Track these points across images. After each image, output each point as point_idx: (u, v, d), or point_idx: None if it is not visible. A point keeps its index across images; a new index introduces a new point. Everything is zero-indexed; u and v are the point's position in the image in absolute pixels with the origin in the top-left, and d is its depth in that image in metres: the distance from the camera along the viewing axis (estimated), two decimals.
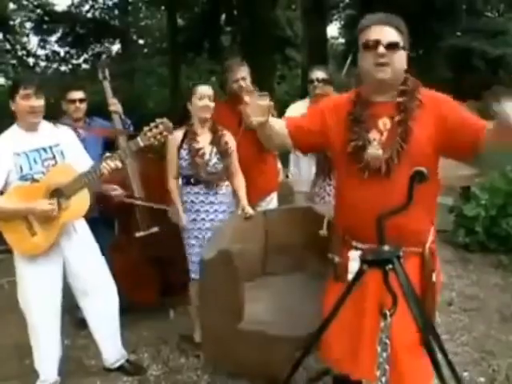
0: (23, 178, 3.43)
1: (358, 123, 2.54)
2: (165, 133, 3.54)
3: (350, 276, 2.49)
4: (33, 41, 25.19)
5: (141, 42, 26.91)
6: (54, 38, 23.79)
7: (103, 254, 3.84)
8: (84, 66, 24.41)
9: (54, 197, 3.40)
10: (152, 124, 3.52)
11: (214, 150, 4.02)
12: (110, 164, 3.44)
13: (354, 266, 2.52)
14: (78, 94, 4.56)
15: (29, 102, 3.42)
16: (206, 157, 3.96)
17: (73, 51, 24.27)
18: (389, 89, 2.51)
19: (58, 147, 3.57)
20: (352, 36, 20.81)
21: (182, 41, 18.69)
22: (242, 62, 4.69)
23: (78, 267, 3.65)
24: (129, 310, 4.32)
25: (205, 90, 4.01)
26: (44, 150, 3.52)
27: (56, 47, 24.39)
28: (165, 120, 3.55)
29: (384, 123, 2.51)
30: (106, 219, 4.54)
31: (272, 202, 4.80)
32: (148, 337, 4.44)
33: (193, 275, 4.03)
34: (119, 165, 3.48)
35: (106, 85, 4.72)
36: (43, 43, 24.42)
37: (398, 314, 2.28)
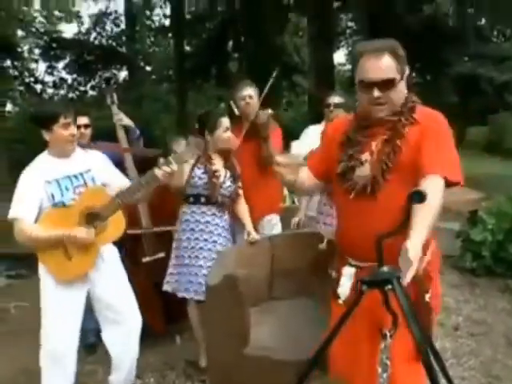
0: (55, 205, 3.41)
1: (351, 145, 2.59)
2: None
3: (340, 289, 2.59)
4: (40, 67, 25.45)
5: (148, 68, 27.17)
6: (61, 65, 24.18)
7: None
8: (91, 92, 24.67)
9: (89, 221, 3.39)
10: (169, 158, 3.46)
11: (228, 173, 4.09)
12: (165, 169, 3.39)
13: (344, 280, 2.61)
14: (82, 120, 4.56)
15: (69, 130, 3.43)
16: (221, 179, 4.02)
17: (80, 78, 24.57)
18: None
19: (89, 173, 3.55)
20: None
21: (189, 67, 18.84)
22: (249, 82, 4.81)
23: (107, 295, 3.61)
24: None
25: (227, 122, 4.11)
26: (75, 176, 3.50)
27: (63, 74, 24.76)
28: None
29: (376, 144, 2.53)
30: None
31: (276, 227, 4.84)
32: (154, 362, 4.42)
33: (192, 295, 4.03)
34: (175, 168, 3.42)
35: (115, 109, 4.74)
36: (51, 70, 24.77)
37: (396, 335, 2.28)
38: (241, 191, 4.22)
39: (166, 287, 4.17)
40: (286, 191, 5.06)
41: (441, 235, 6.19)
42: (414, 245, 2.08)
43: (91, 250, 3.43)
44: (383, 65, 2.42)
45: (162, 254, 4.56)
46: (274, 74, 4.89)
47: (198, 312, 4.06)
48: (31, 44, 25.12)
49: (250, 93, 4.73)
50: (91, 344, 4.11)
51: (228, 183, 4.07)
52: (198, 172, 4.02)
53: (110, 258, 3.64)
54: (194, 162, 4.04)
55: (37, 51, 24.91)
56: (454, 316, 5.00)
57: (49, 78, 25.55)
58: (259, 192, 4.55)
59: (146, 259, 4.58)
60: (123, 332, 3.69)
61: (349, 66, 27.00)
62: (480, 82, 18.47)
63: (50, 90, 25.29)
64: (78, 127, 4.47)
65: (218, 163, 4.09)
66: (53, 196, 3.40)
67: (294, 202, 5.29)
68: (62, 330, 3.50)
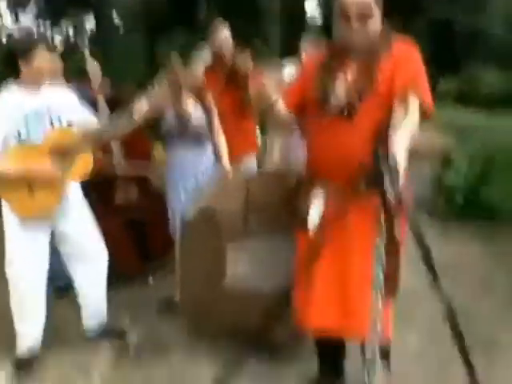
0: (21, 142, 3.32)
1: (326, 72, 2.70)
2: None
3: (310, 218, 2.67)
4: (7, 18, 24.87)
5: (116, 20, 26.60)
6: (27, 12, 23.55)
7: None
8: (58, 38, 24.16)
9: (56, 159, 3.33)
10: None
11: (198, 105, 4.07)
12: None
13: (313, 211, 2.69)
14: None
15: (48, 62, 3.39)
16: (190, 110, 4.00)
17: (47, 23, 24.02)
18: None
19: (57, 109, 3.44)
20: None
21: (156, 14, 18.49)
22: (223, 22, 4.74)
23: (72, 232, 3.59)
24: (109, 276, 4.24)
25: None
26: (43, 113, 3.38)
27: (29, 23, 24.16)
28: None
29: (352, 71, 2.65)
30: (83, 185, 4.44)
31: (253, 168, 4.87)
32: (128, 303, 4.36)
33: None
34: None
35: (87, 53, 4.59)
36: (16, 18, 24.15)
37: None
38: (217, 124, 4.17)
39: None
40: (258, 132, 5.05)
41: (413, 179, 6.29)
42: (399, 149, 2.20)
43: (56, 187, 3.38)
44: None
45: (134, 195, 4.55)
46: None
47: None
48: None
49: (224, 34, 4.73)
50: (62, 287, 4.07)
51: (198, 114, 4.04)
52: (168, 115, 4.04)
53: (74, 197, 3.59)
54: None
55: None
56: None
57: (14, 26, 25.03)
58: (238, 134, 4.53)
59: (118, 200, 4.56)
60: (89, 269, 3.70)
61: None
62: (454, 28, 18.41)
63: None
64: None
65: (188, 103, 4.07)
66: (19, 134, 3.31)
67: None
68: (27, 272, 3.47)
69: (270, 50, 22.35)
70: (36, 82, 3.38)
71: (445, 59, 21.78)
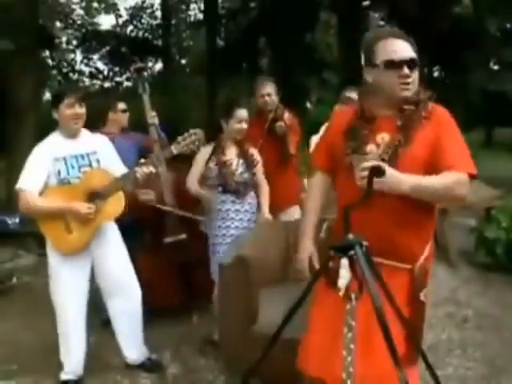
0: (61, 182, 3.71)
1: (355, 137, 2.60)
2: (197, 142, 3.82)
3: (341, 281, 2.40)
4: (78, 58, 25.87)
5: (183, 61, 27.43)
6: (97, 56, 24.46)
7: (131, 257, 4.06)
8: (126, 83, 24.96)
9: (91, 199, 3.66)
10: (186, 134, 3.80)
11: (241, 161, 4.28)
12: (144, 169, 3.71)
13: (344, 272, 2.43)
14: (121, 105, 5.00)
15: (72, 110, 3.73)
16: (233, 167, 4.21)
17: (116, 69, 24.91)
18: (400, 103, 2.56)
19: (94, 155, 3.84)
20: None
21: (221, 62, 18.98)
22: (268, 78, 5.02)
23: (105, 267, 3.88)
24: (154, 313, 4.58)
25: (243, 113, 4.27)
26: (82, 156, 3.79)
27: (100, 65, 25.09)
28: (198, 131, 3.82)
29: (382, 137, 2.53)
30: (135, 224, 4.73)
31: (294, 216, 4.98)
32: (170, 338, 4.60)
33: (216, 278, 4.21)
34: (152, 170, 3.76)
35: (146, 98, 4.90)
36: (87, 60, 25.07)
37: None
38: (261, 177, 4.40)
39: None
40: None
41: (456, 230, 6.31)
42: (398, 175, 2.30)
43: (90, 226, 3.71)
44: (408, 46, 2.53)
45: (183, 236, 4.75)
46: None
47: None
48: (69, 35, 25.47)
49: (268, 91, 5.00)
50: (108, 319, 4.32)
51: (241, 170, 4.25)
52: (211, 164, 4.27)
53: (111, 235, 3.92)
54: (209, 155, 4.29)
55: (74, 42, 25.31)
56: (464, 309, 5.10)
57: (86, 69, 26.03)
58: (280, 186, 4.72)
59: (168, 239, 4.77)
60: (123, 302, 3.96)
61: None
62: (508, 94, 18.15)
63: (86, 80, 25.77)
64: (124, 111, 4.99)
65: (231, 152, 4.30)
66: (59, 172, 3.70)
67: None
68: (69, 304, 3.81)
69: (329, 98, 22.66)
70: (68, 129, 3.79)
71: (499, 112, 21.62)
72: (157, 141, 4.70)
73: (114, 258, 3.90)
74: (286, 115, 5.03)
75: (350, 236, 2.36)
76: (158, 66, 26.38)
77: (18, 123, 8.78)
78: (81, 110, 3.77)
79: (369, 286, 2.27)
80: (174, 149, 3.80)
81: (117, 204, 3.76)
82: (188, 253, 4.76)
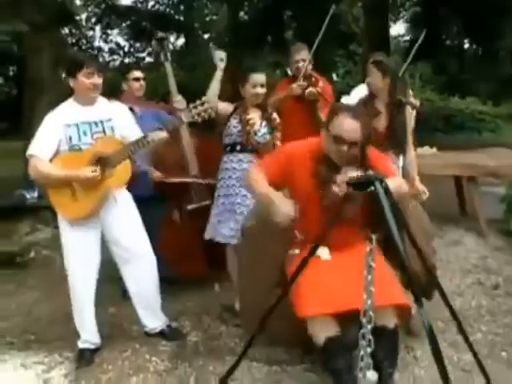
0: (72, 148, 3.62)
1: (322, 178, 3.17)
2: (209, 110, 3.69)
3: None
4: (97, 35, 25.81)
5: (205, 36, 27.21)
6: (116, 31, 24.37)
7: (156, 229, 4.01)
8: (148, 59, 24.89)
9: (99, 165, 3.55)
10: (198, 101, 3.67)
11: (264, 123, 4.15)
12: (158, 134, 3.66)
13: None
14: (140, 73, 4.80)
15: (92, 79, 3.63)
16: (256, 127, 4.08)
17: (137, 44, 24.81)
18: None
19: (109, 122, 3.73)
20: (415, 34, 20.62)
21: (244, 36, 18.78)
22: (303, 45, 4.94)
23: (116, 233, 3.77)
24: (176, 282, 4.55)
25: (258, 78, 4.16)
26: (95, 123, 3.69)
27: (120, 40, 25.01)
28: (211, 96, 3.69)
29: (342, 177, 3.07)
30: (160, 196, 4.65)
31: None
32: (191, 307, 4.51)
33: (228, 240, 4.17)
34: (164, 135, 3.70)
35: (168, 67, 4.81)
36: (106, 36, 25.01)
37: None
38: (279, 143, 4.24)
39: (206, 235, 4.29)
40: None
41: (486, 199, 6.19)
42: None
43: (96, 193, 3.60)
44: (357, 130, 3.07)
45: (207, 202, 4.62)
46: (330, 13, 5.08)
47: (234, 256, 4.13)
48: (89, 12, 25.41)
49: (302, 56, 4.97)
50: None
51: (263, 131, 4.12)
52: (234, 121, 4.16)
53: (122, 200, 3.79)
54: (230, 113, 4.19)
55: (93, 20, 25.23)
56: (493, 276, 4.97)
57: (105, 45, 26.01)
58: None
59: (191, 206, 4.67)
60: (136, 270, 3.85)
61: (407, 37, 26.54)
62: None
63: (105, 56, 25.78)
64: (138, 79, 4.77)
65: (254, 113, 4.16)
66: (70, 138, 3.62)
67: None
68: (78, 271, 3.75)
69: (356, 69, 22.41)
70: (85, 97, 3.69)
71: None
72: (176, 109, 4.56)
73: (125, 224, 3.78)
74: (321, 83, 5.01)
75: (370, 172, 2.70)
76: (180, 41, 26.25)
77: (35, 101, 8.66)
78: (99, 80, 3.68)
79: (388, 222, 2.49)
80: (184, 117, 3.70)
81: (124, 172, 3.64)
82: None
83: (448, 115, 17.73)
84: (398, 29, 24.27)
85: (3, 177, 9.51)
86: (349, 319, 2.93)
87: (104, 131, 3.70)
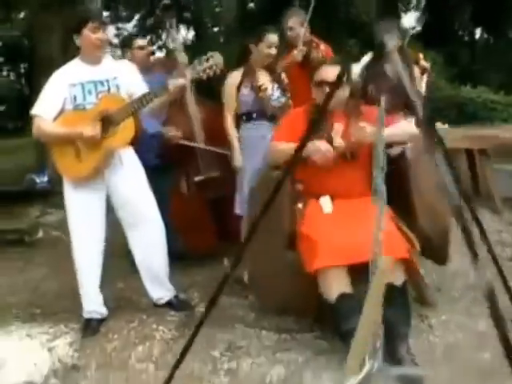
0: (76, 107, 3.58)
1: (320, 128, 3.28)
2: (214, 67, 3.58)
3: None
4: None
5: (215, 29, 27.11)
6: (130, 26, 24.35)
7: (164, 200, 3.92)
8: (158, 53, 24.81)
9: (102, 124, 3.48)
10: (203, 57, 3.58)
11: (276, 86, 4.11)
12: (163, 88, 3.57)
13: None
14: (144, 42, 4.75)
15: (97, 34, 3.57)
16: (269, 92, 4.02)
17: (147, 37, 24.76)
18: None
19: (115, 80, 3.65)
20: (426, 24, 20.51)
21: (253, 26, 18.68)
22: (295, 11, 4.85)
23: (122, 195, 3.68)
24: (184, 257, 4.51)
25: (274, 38, 4.14)
26: (101, 82, 3.62)
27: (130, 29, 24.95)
28: (216, 54, 3.59)
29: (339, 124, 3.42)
30: (166, 166, 4.57)
31: None
32: (200, 280, 4.44)
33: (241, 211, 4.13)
34: (183, 81, 3.63)
35: (175, 35, 4.64)
36: (118, 31, 24.97)
37: None
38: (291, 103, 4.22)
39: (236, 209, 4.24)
40: None
41: (500, 176, 6.10)
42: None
43: (99, 151, 3.53)
44: (335, 72, 3.28)
45: (215, 173, 4.56)
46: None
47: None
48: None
49: (294, 23, 4.84)
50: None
51: (277, 94, 4.08)
52: (245, 90, 4.10)
53: (129, 162, 3.71)
54: (239, 82, 4.13)
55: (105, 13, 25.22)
56: (508, 249, 4.88)
57: (116, 41, 25.95)
58: None
59: (199, 178, 4.60)
60: (142, 235, 3.76)
61: (418, 28, 26.38)
62: None
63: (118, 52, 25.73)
64: (142, 48, 4.68)
65: (263, 78, 4.10)
66: (75, 98, 3.57)
67: None
68: (82, 234, 3.68)
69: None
70: (91, 55, 3.63)
71: None
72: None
73: (131, 186, 3.69)
74: (322, 47, 4.92)
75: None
76: (191, 35, 26.15)
77: (45, 80, 8.58)
78: (105, 36, 3.64)
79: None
80: (189, 73, 3.61)
81: (127, 130, 3.55)
82: (220, 190, 4.57)
83: (460, 104, 17.59)
84: (408, 19, 24.29)
85: (15, 167, 9.52)
86: (359, 278, 2.85)
87: (109, 90, 3.63)
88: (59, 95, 3.57)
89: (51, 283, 4.68)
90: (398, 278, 2.97)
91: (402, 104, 4.09)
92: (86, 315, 3.75)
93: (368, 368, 1.22)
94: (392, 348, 2.96)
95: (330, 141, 3.35)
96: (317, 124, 2.79)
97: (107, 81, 3.62)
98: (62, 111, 3.57)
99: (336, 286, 2.97)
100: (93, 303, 3.76)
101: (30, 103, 8.64)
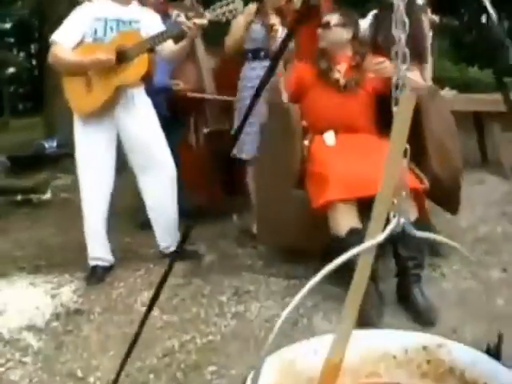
0: (95, 41, 3.58)
1: (324, 70, 3.49)
2: (234, 11, 3.53)
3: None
4: None
5: None
6: None
7: (173, 152, 3.84)
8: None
9: (117, 58, 3.46)
10: (224, 1, 3.51)
11: (285, 30, 3.96)
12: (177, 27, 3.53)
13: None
14: None
15: None
16: (279, 33, 3.91)
17: None
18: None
19: (137, 23, 3.65)
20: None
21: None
22: None
23: (133, 136, 3.63)
24: (191, 213, 4.32)
25: None
26: (123, 22, 3.62)
27: None
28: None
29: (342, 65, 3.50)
30: (176, 118, 4.50)
31: None
32: (208, 233, 4.34)
33: (244, 155, 4.06)
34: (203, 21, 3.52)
35: None
36: None
37: None
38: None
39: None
40: None
41: (508, 143, 5.97)
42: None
43: (110, 84, 3.51)
44: (338, 15, 3.53)
45: (224, 127, 4.50)
46: None
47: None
48: None
49: None
50: (143, 222, 4.12)
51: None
52: (256, 27, 4.00)
53: (140, 102, 3.67)
54: (252, 17, 4.02)
55: None
56: None
57: None
58: None
59: (208, 129, 4.54)
60: (155, 179, 3.71)
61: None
62: None
63: None
64: None
65: (274, 19, 3.98)
66: (96, 31, 3.56)
67: None
68: (90, 174, 3.62)
69: None
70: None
71: None
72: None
73: (143, 127, 3.63)
74: None
75: None
76: None
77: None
78: None
79: None
80: (209, 14, 3.51)
81: (141, 65, 3.50)
82: (229, 143, 4.47)
83: (466, 86, 17.45)
84: None
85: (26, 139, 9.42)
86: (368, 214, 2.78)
87: None
88: (81, 26, 3.55)
89: (58, 239, 4.63)
90: (411, 215, 2.86)
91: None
92: (91, 262, 3.69)
93: (393, 225, 1.15)
94: (405, 289, 2.94)
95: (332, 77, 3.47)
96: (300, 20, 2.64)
97: (130, 22, 3.62)
98: (81, 43, 3.56)
99: (346, 220, 2.88)
100: (99, 249, 3.69)
101: (40, 84, 8.66)
